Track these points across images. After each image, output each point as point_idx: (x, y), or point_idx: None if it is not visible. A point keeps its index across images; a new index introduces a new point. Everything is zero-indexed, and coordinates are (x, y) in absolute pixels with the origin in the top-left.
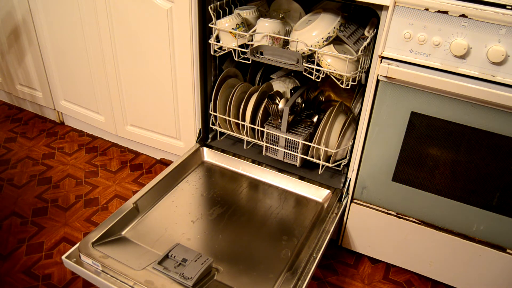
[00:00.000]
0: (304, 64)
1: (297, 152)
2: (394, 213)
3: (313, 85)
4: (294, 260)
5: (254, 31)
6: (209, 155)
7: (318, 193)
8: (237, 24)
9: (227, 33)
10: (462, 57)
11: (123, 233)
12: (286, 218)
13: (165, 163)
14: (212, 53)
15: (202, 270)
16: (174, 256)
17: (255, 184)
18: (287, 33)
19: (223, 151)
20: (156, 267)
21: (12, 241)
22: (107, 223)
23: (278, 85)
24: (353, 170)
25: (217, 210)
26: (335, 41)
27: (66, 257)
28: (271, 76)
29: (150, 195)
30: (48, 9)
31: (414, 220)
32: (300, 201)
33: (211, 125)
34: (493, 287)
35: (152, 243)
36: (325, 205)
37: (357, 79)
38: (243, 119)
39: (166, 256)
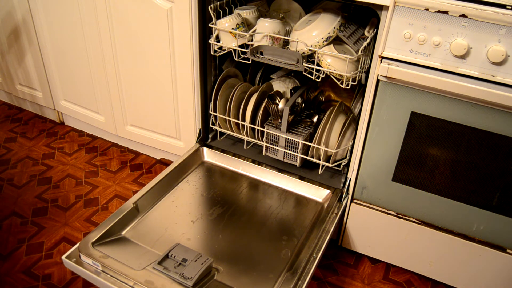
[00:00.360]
0: (304, 64)
1: (297, 152)
2: (394, 213)
3: (313, 85)
4: (294, 260)
5: (254, 31)
6: (209, 155)
7: (318, 193)
8: (237, 24)
9: (227, 33)
10: (462, 57)
11: (123, 233)
12: (286, 218)
13: (165, 163)
14: (212, 53)
15: (202, 270)
16: (174, 256)
17: (255, 184)
18: (287, 33)
19: (223, 151)
20: (156, 267)
21: (12, 241)
22: (107, 223)
23: (278, 85)
24: (353, 170)
25: (217, 210)
26: (335, 41)
27: (66, 257)
28: (271, 76)
29: (150, 195)
30: (48, 9)
31: (414, 220)
32: (300, 201)
33: (211, 125)
34: (493, 287)
35: (152, 243)
36: (325, 205)
37: (357, 79)
38: (243, 119)
39: (166, 256)
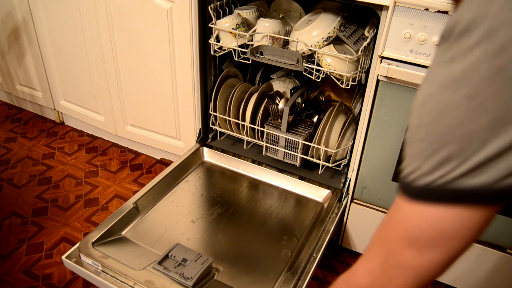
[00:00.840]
0: (304, 64)
1: (297, 152)
2: None
3: (313, 85)
4: (294, 260)
5: (254, 31)
6: (209, 155)
7: (318, 193)
8: (237, 24)
9: (227, 33)
10: None
11: (123, 233)
12: (286, 218)
13: (165, 163)
14: (212, 53)
15: (202, 270)
16: (174, 256)
17: (255, 184)
18: (287, 33)
19: (223, 151)
20: (156, 267)
21: (12, 241)
22: (107, 223)
23: (278, 85)
24: (353, 170)
25: (217, 210)
26: (335, 41)
27: (66, 257)
28: (271, 76)
29: (150, 195)
30: (48, 9)
31: None
32: (300, 201)
33: (211, 125)
34: (492, 287)
35: (152, 243)
36: (325, 205)
37: (357, 79)
38: (243, 119)
39: (166, 256)
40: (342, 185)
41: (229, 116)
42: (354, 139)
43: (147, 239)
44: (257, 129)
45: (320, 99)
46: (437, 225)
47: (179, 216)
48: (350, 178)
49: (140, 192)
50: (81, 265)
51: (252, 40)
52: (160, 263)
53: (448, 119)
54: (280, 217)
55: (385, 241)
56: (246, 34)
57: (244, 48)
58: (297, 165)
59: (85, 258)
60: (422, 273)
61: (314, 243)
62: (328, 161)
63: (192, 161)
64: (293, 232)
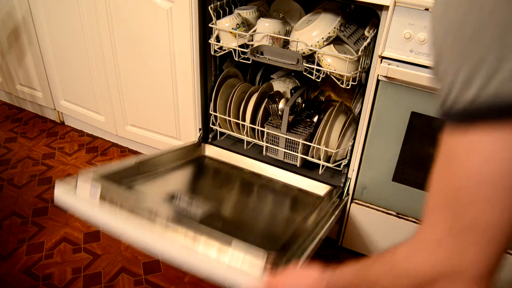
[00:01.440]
0: (304, 64)
1: (297, 152)
2: (394, 213)
3: (313, 85)
4: (293, 239)
5: (254, 31)
6: (210, 151)
7: (318, 190)
8: (237, 24)
9: (227, 33)
10: None
11: (123, 181)
12: (286, 213)
13: None
14: (212, 53)
15: (208, 209)
16: (180, 196)
17: (255, 178)
18: (287, 33)
19: (223, 150)
20: (162, 201)
21: (12, 241)
22: (108, 168)
23: (278, 85)
24: (353, 170)
25: (216, 202)
26: (335, 41)
27: (60, 184)
28: (271, 76)
29: (152, 161)
30: (48, 9)
31: (414, 220)
32: (300, 195)
33: (211, 125)
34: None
35: (154, 197)
36: (325, 199)
37: (357, 79)
38: (243, 119)
39: (172, 196)
40: (342, 185)
41: (229, 116)
42: (354, 139)
43: (149, 196)
44: (257, 129)
45: (320, 99)
46: (499, 152)
47: (180, 187)
48: (350, 178)
49: (143, 156)
50: (77, 190)
51: (252, 40)
52: (165, 200)
53: (477, 15)
54: (279, 209)
55: (445, 200)
56: (246, 34)
57: (244, 48)
58: (297, 165)
59: (82, 183)
60: (497, 232)
61: (317, 228)
62: (328, 161)
63: (193, 153)
64: (293, 221)
